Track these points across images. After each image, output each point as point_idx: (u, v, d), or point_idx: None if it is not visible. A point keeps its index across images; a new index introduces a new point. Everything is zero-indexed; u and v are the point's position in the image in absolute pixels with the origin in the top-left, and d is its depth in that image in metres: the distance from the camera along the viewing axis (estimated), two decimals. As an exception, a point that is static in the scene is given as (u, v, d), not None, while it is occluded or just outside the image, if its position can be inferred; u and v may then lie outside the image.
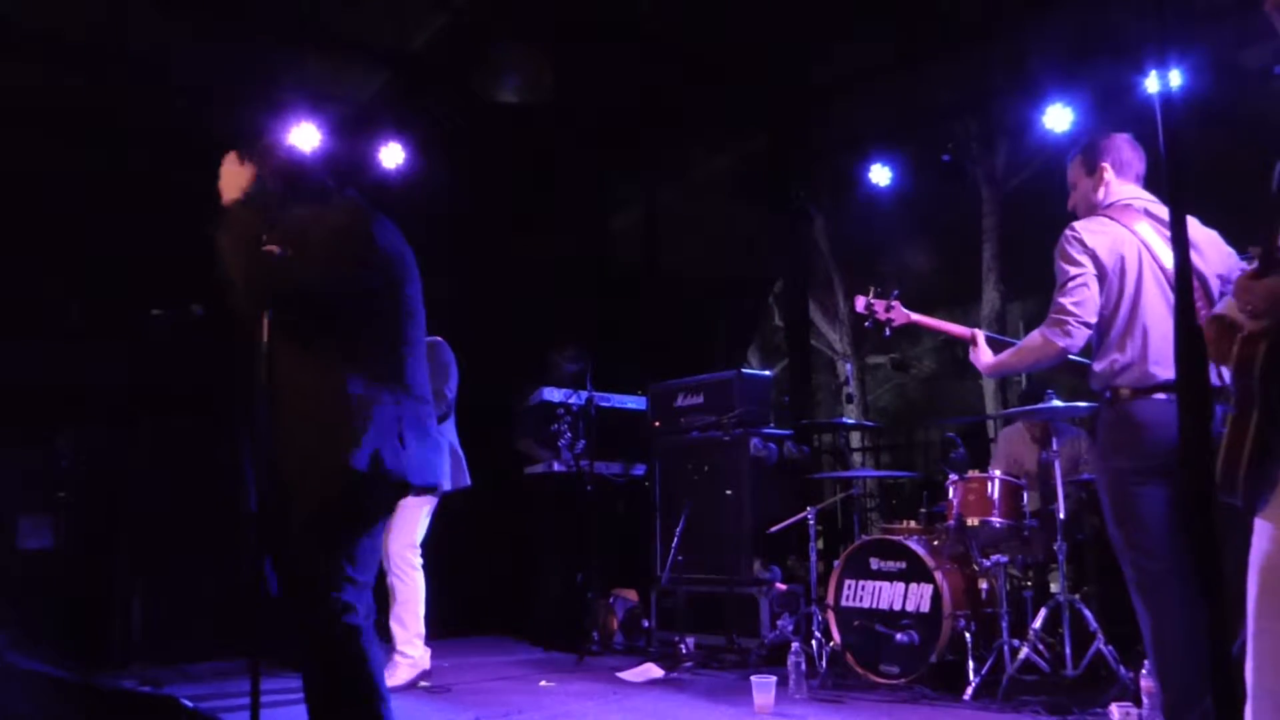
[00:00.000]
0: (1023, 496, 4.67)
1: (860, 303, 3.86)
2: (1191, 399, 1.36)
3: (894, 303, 3.82)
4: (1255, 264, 1.86)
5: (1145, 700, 3.56)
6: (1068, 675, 4.12)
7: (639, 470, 6.71)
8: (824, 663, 4.79)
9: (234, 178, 2.91)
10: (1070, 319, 3.01)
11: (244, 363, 2.69)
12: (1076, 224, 3.12)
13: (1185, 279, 1.43)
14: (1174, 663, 2.81)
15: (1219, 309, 2.09)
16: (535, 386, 6.64)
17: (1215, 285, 3.01)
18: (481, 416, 5.79)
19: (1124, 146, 3.23)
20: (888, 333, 3.82)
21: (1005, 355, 3.31)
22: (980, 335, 3.46)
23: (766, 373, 6.60)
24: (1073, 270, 3.03)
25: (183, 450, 5.67)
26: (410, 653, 4.74)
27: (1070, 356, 3.21)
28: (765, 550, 5.70)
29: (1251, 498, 1.84)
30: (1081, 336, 3.02)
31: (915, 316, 3.78)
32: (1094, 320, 3.02)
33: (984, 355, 3.39)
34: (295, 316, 2.62)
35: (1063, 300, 3.03)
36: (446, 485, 4.91)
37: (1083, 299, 3.01)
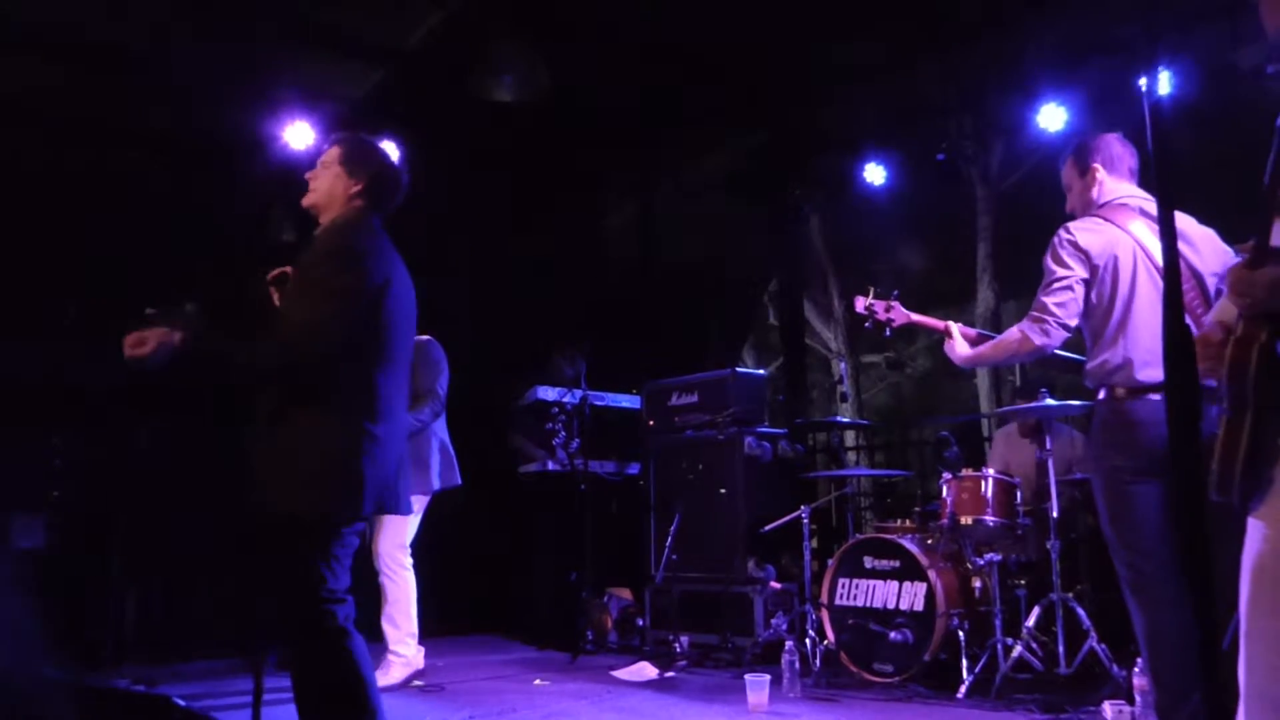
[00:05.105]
0: (1016, 495, 4.68)
1: (860, 303, 3.87)
2: (1180, 398, 1.36)
3: (893, 303, 3.83)
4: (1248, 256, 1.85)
5: (1138, 698, 3.57)
6: (1061, 673, 4.13)
7: (633, 469, 6.71)
8: (818, 661, 4.80)
9: (328, 181, 2.85)
10: (1050, 319, 3.05)
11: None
12: (1070, 224, 3.14)
13: (1174, 279, 1.43)
14: (1167, 661, 2.81)
15: (1215, 315, 2.09)
16: (530, 385, 6.64)
17: (1211, 283, 3.02)
18: (476, 415, 5.78)
19: (1114, 144, 3.24)
20: (888, 333, 3.84)
21: (983, 348, 3.34)
22: (955, 327, 3.48)
23: (761, 372, 6.60)
24: (1060, 271, 3.06)
25: (176, 449, 5.67)
26: (403, 652, 4.73)
27: (1062, 353, 3.23)
28: (759, 549, 5.70)
29: (1246, 498, 1.84)
30: (1058, 338, 3.07)
31: (916, 317, 3.79)
32: (1074, 324, 3.06)
33: (959, 347, 3.41)
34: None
35: (1045, 299, 3.07)
36: (437, 485, 4.92)
37: (1065, 301, 3.04)
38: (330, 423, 2.59)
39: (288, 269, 2.83)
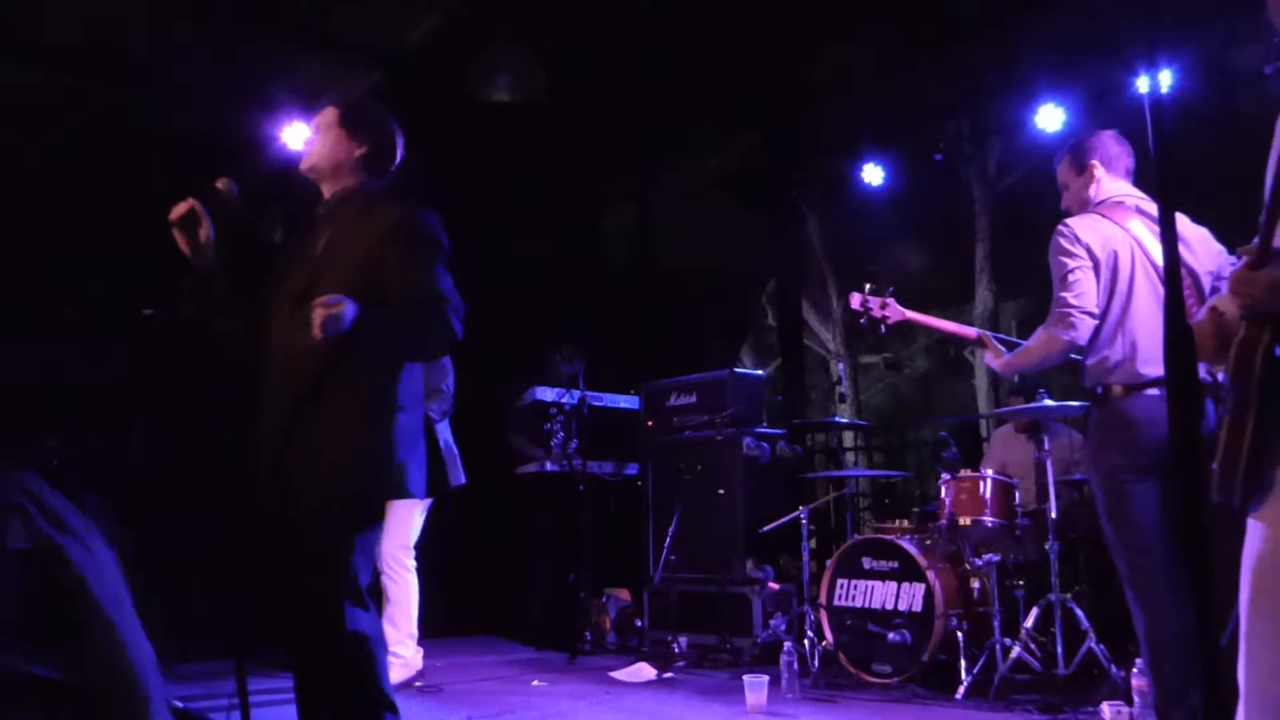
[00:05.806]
0: (1015, 496, 4.68)
1: (855, 300, 3.86)
2: (1181, 396, 1.36)
3: (889, 300, 3.82)
4: (1246, 258, 1.85)
5: (1136, 699, 3.57)
6: (1059, 674, 4.13)
7: (631, 469, 6.71)
8: (816, 662, 4.79)
9: (330, 145, 2.64)
10: (1072, 311, 3.03)
11: (245, 361, 2.61)
12: (1068, 220, 3.14)
13: (1175, 278, 1.43)
14: (1167, 659, 2.82)
15: (1213, 302, 2.08)
16: (528, 385, 6.63)
17: (1207, 282, 3.03)
18: (474, 415, 5.77)
19: (1110, 142, 3.25)
20: (883, 330, 3.83)
21: (1015, 354, 3.33)
22: (990, 336, 3.48)
23: (759, 372, 6.61)
24: (1070, 263, 3.05)
25: (174, 450, 5.66)
26: (402, 653, 4.73)
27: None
28: (758, 549, 5.70)
29: (1247, 499, 1.84)
30: (1086, 327, 3.03)
31: (910, 314, 3.78)
32: (1096, 310, 3.03)
33: (991, 355, 3.41)
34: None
35: (1063, 294, 3.06)
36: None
37: (1082, 291, 3.03)
38: (373, 406, 2.43)
39: (193, 202, 2.57)
